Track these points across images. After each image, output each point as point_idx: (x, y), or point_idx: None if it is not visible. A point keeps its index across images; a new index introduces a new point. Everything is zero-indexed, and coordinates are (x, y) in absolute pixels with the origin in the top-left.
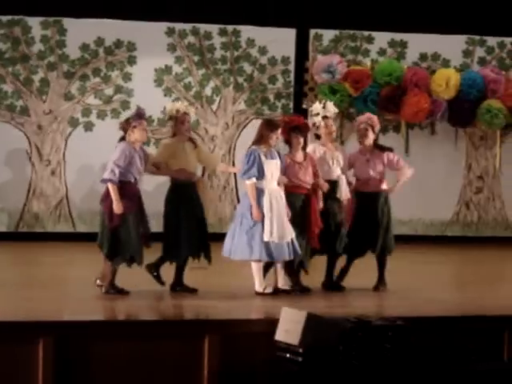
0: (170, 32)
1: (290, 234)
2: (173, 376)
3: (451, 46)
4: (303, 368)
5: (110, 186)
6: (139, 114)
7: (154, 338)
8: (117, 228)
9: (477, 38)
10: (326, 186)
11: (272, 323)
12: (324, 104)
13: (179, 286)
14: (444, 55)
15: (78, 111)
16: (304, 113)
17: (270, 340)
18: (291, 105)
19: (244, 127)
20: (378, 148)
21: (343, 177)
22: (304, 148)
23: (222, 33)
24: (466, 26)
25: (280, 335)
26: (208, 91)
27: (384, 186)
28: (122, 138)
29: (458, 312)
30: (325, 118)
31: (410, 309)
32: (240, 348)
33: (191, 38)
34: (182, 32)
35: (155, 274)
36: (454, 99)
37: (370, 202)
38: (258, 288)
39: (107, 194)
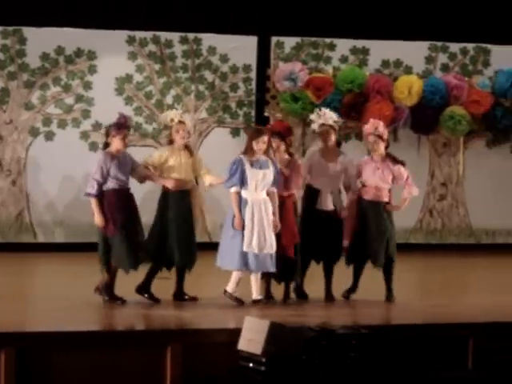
0: (131, 40)
1: (271, 246)
2: None
3: (413, 52)
4: (266, 377)
5: (91, 200)
6: (118, 124)
7: (117, 348)
8: (113, 238)
9: (439, 44)
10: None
11: (235, 332)
12: (319, 111)
13: (181, 295)
14: (406, 62)
15: (38, 121)
16: (266, 120)
17: (232, 349)
18: (253, 113)
19: (206, 135)
20: (391, 159)
21: (326, 188)
22: (290, 154)
23: (183, 41)
24: (429, 33)
25: (243, 345)
26: (169, 100)
27: (387, 198)
28: (106, 145)
29: (422, 320)
30: (322, 125)
31: (373, 317)
32: (203, 357)
33: (152, 47)
34: (142, 40)
35: (146, 295)
36: (416, 106)
37: (373, 211)
38: (229, 289)
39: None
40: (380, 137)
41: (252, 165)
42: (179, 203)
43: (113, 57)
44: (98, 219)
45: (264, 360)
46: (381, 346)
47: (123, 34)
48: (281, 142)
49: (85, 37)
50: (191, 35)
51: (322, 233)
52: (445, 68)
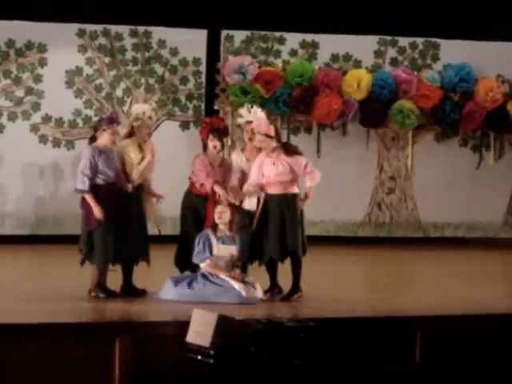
0: (81, 33)
1: None
2: (84, 378)
3: (363, 46)
4: (214, 370)
5: (85, 196)
6: (110, 119)
7: (65, 340)
8: (93, 232)
9: (388, 38)
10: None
11: (184, 325)
12: (250, 107)
13: (130, 288)
14: (355, 56)
15: None
16: (216, 114)
17: (181, 342)
18: (203, 106)
19: (155, 128)
20: (284, 150)
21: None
22: (220, 152)
23: (133, 34)
24: (378, 27)
25: (191, 337)
26: (119, 92)
27: (292, 189)
28: (92, 138)
29: (370, 313)
30: (249, 122)
31: (321, 310)
32: (151, 350)
33: (102, 40)
34: (92, 33)
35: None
36: (365, 100)
37: (277, 204)
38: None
39: (83, 199)
40: (267, 135)
41: (218, 239)
42: (131, 198)
43: (63, 50)
44: (96, 211)
45: (212, 352)
46: (328, 338)
47: (74, 27)
48: (218, 141)
49: (35, 29)
50: (141, 28)
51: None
52: (394, 62)
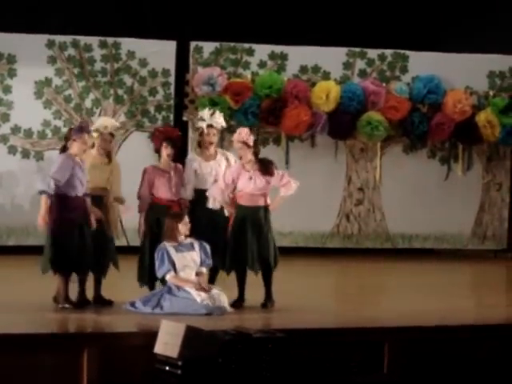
0: (51, 44)
1: None
2: None
3: (331, 58)
4: (182, 381)
5: (42, 197)
6: (80, 128)
7: (33, 351)
8: (58, 240)
9: (357, 50)
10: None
11: (152, 336)
12: (213, 112)
13: (99, 298)
14: (324, 67)
15: None
16: (184, 125)
17: (149, 353)
18: (172, 117)
19: (124, 140)
20: (261, 168)
21: (210, 190)
22: (175, 160)
23: (102, 45)
24: (347, 39)
25: (159, 348)
26: (88, 103)
27: (264, 201)
28: (63, 148)
29: (338, 324)
30: (209, 126)
31: (289, 321)
32: (119, 361)
33: (71, 51)
34: (62, 44)
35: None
36: (334, 111)
37: (249, 216)
38: None
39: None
40: (245, 143)
41: (177, 250)
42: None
43: (32, 60)
44: (40, 219)
45: (180, 363)
46: (297, 349)
47: (43, 38)
48: (171, 148)
49: (4, 40)
50: (110, 39)
51: (212, 232)
52: (362, 74)
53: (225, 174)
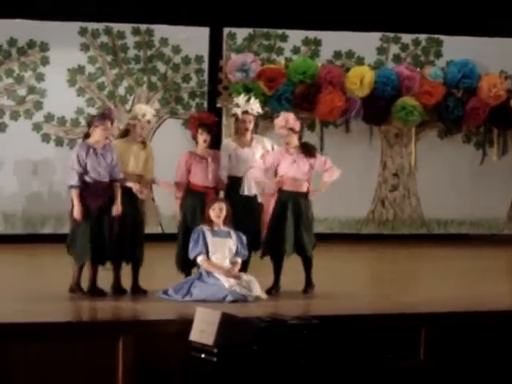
0: (83, 32)
1: None
2: (87, 378)
3: (365, 43)
4: (218, 368)
5: (72, 191)
6: (103, 115)
7: (68, 339)
8: (76, 228)
9: (391, 35)
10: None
11: (187, 323)
12: (248, 98)
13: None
14: (358, 53)
15: None
16: (218, 112)
17: (185, 340)
18: (205, 104)
19: (158, 127)
20: (304, 151)
21: (249, 173)
22: (211, 146)
23: (135, 32)
24: (381, 24)
25: (195, 335)
26: (121, 91)
27: (306, 187)
28: (86, 135)
29: (374, 310)
30: (245, 112)
31: (325, 307)
32: (155, 348)
33: (104, 38)
34: (94, 32)
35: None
36: (368, 97)
37: (292, 201)
38: None
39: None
40: (292, 129)
41: (213, 234)
42: (128, 197)
43: (65, 48)
44: (75, 212)
45: (216, 351)
46: (332, 336)
47: (75, 26)
48: (207, 134)
49: (37, 28)
50: (143, 26)
51: (246, 219)
52: (397, 59)
53: (265, 157)
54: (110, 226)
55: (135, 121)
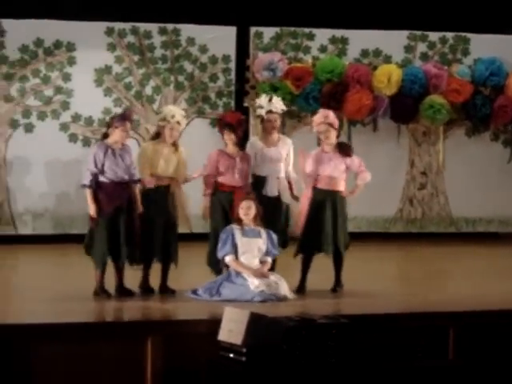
0: (110, 31)
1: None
2: (116, 378)
3: (393, 41)
4: (247, 368)
5: (85, 191)
6: (123, 116)
7: (98, 340)
8: (94, 229)
9: (418, 33)
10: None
11: (215, 323)
12: (270, 98)
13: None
14: (385, 51)
15: (18, 113)
16: (246, 111)
17: (213, 340)
18: (232, 103)
19: (185, 127)
20: (341, 150)
21: (273, 173)
22: (238, 145)
23: (162, 32)
24: (408, 22)
25: (223, 335)
26: (148, 91)
27: (342, 186)
28: (105, 135)
29: (402, 309)
30: (269, 112)
31: (353, 306)
32: (183, 348)
33: (131, 38)
34: (121, 31)
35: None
36: (395, 95)
37: (328, 200)
38: None
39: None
40: (331, 125)
41: (243, 233)
42: (159, 198)
43: (92, 48)
44: (91, 210)
45: (244, 350)
46: (361, 335)
47: (102, 26)
48: (231, 133)
49: (64, 28)
50: (170, 26)
51: (270, 219)
52: (424, 57)
53: (306, 162)
54: (127, 226)
55: (164, 122)
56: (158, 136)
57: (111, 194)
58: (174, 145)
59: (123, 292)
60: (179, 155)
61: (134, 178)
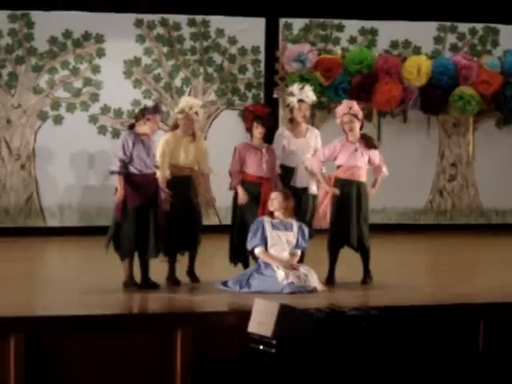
0: (139, 23)
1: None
2: (146, 370)
3: (422, 32)
4: (276, 359)
5: (116, 177)
6: (156, 108)
7: (126, 332)
8: (120, 221)
9: (448, 24)
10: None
11: (245, 315)
12: (302, 87)
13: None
14: (415, 42)
15: (47, 104)
16: (275, 102)
17: (243, 332)
18: (262, 95)
19: (215, 118)
20: (365, 142)
21: (305, 163)
22: (266, 139)
23: (191, 23)
24: (437, 13)
25: (253, 327)
26: (178, 82)
27: (365, 177)
28: (131, 126)
29: (432, 301)
30: (300, 101)
31: (383, 298)
32: (213, 340)
33: (160, 29)
34: (150, 23)
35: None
36: (425, 86)
37: (353, 190)
38: None
39: (116, 188)
40: (355, 116)
41: (273, 226)
42: (180, 189)
43: (121, 40)
44: (117, 195)
45: (274, 342)
46: (391, 327)
47: (131, 17)
48: (261, 126)
49: (93, 20)
50: (199, 17)
51: (297, 210)
52: (454, 48)
53: (324, 149)
54: (155, 217)
55: (183, 114)
56: (176, 127)
57: (140, 187)
58: (193, 135)
59: (148, 285)
60: (199, 144)
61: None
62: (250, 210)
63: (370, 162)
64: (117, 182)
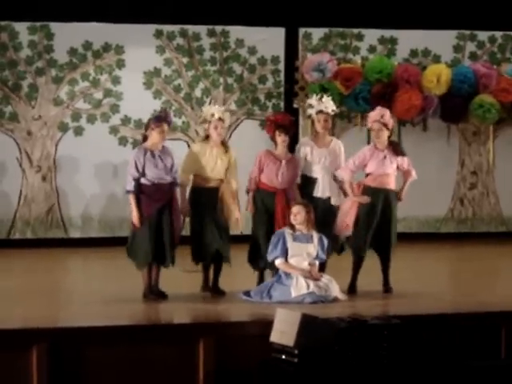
0: (159, 34)
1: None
2: (168, 380)
3: (442, 41)
4: (299, 369)
5: (129, 197)
6: (159, 117)
7: (149, 342)
8: (136, 233)
9: (467, 32)
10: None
11: (267, 325)
12: (321, 97)
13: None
14: (435, 51)
15: (67, 116)
16: (295, 112)
17: (265, 342)
18: (282, 104)
19: (235, 128)
20: (393, 149)
21: (325, 175)
22: (289, 147)
23: (211, 34)
24: (456, 21)
25: (275, 336)
26: (198, 93)
27: (394, 185)
28: (144, 138)
29: (454, 309)
30: (320, 112)
31: (405, 307)
32: (235, 350)
33: (180, 40)
34: (170, 34)
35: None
36: (445, 95)
37: (381, 198)
38: None
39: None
40: (385, 125)
41: (294, 238)
42: (207, 199)
43: (141, 51)
44: (134, 217)
45: (296, 352)
46: (413, 336)
47: (151, 28)
48: (284, 134)
49: (112, 31)
50: (219, 28)
51: (321, 221)
52: (473, 56)
53: (354, 158)
54: (170, 227)
55: (206, 124)
56: (207, 138)
57: (152, 196)
58: (224, 145)
59: (157, 294)
60: (230, 156)
61: (175, 179)
62: (261, 219)
63: (398, 168)
64: (131, 201)
